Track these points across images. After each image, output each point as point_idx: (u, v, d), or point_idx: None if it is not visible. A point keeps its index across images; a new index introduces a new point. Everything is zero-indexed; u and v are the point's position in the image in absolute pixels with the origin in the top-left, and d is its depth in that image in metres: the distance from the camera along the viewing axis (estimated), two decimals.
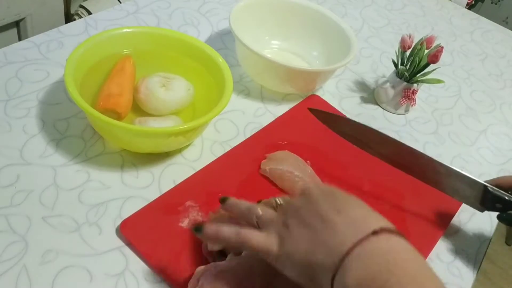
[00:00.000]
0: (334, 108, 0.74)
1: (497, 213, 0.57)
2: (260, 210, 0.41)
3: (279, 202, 0.42)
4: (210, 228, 0.40)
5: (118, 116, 0.57)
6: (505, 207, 0.55)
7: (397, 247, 0.34)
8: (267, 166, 0.60)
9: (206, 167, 0.59)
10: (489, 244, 0.61)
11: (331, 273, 0.34)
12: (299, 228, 0.37)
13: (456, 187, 0.58)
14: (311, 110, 0.62)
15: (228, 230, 0.40)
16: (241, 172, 0.60)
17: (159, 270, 0.48)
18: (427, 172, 0.58)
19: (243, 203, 0.43)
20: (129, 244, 0.50)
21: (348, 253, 0.34)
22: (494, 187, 0.56)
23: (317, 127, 0.62)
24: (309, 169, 0.60)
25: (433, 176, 0.58)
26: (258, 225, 0.40)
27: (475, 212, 0.64)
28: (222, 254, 0.48)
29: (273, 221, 0.40)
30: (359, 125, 0.59)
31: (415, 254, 0.34)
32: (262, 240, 0.38)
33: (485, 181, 0.57)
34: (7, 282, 0.45)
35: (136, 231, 0.51)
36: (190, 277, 0.46)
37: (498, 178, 0.58)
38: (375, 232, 0.34)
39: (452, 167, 0.57)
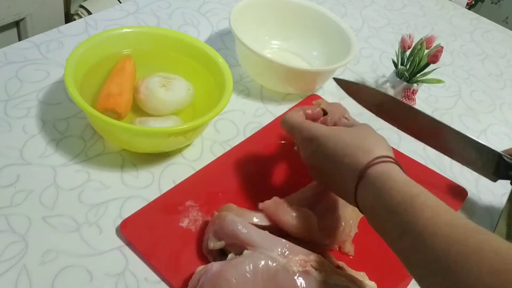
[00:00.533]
0: None
1: (509, 181, 0.59)
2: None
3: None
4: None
5: (118, 116, 0.57)
6: None
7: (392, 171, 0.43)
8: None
9: (206, 167, 0.59)
10: None
11: (353, 191, 0.44)
12: (344, 133, 0.47)
13: (471, 156, 0.59)
14: (335, 79, 0.65)
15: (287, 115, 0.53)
16: (242, 172, 0.60)
17: (159, 270, 0.48)
18: (444, 141, 0.60)
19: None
20: (129, 244, 0.50)
21: (363, 173, 0.43)
22: (508, 155, 0.57)
23: None
24: None
25: (450, 145, 0.60)
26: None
27: (475, 211, 0.64)
28: (222, 254, 0.48)
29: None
30: (380, 93, 0.63)
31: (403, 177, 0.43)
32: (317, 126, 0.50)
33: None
34: (7, 282, 0.45)
35: (136, 231, 0.51)
36: (190, 277, 0.46)
37: (510, 148, 0.60)
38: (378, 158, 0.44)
39: (469, 135, 0.58)
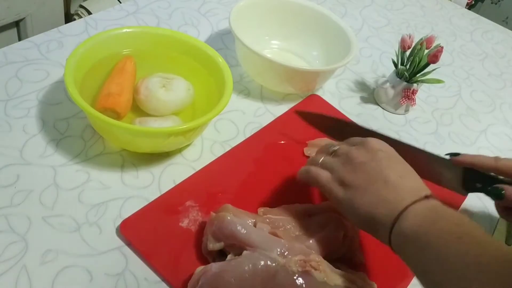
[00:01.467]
0: (334, 108, 0.74)
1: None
2: (322, 157, 0.51)
3: (335, 149, 0.51)
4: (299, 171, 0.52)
5: (117, 116, 0.57)
6: (484, 186, 0.54)
7: (438, 205, 0.43)
8: (309, 151, 0.65)
9: (206, 167, 0.59)
10: None
11: (390, 223, 0.43)
12: (363, 181, 0.46)
13: (439, 173, 0.56)
14: (298, 112, 0.63)
15: (302, 169, 0.52)
16: (242, 172, 0.60)
17: (159, 270, 0.48)
18: (411, 162, 0.56)
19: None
20: (129, 244, 0.50)
21: (406, 208, 0.42)
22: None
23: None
24: None
25: (417, 164, 0.57)
26: (321, 166, 0.50)
27: (474, 212, 0.64)
28: (222, 254, 0.48)
29: (333, 164, 0.49)
30: (340, 121, 0.61)
31: (450, 209, 0.43)
32: (328, 175, 0.48)
33: (453, 157, 0.55)
34: (7, 282, 0.45)
35: (136, 231, 0.51)
36: (190, 277, 0.46)
37: (472, 156, 0.55)
38: (426, 197, 0.44)
39: (432, 152, 0.56)
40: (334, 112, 0.73)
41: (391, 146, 0.52)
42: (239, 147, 0.63)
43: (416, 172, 0.54)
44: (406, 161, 0.54)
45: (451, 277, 0.37)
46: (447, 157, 0.55)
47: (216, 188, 0.57)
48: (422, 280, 0.40)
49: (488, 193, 0.54)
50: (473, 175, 0.54)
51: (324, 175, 0.49)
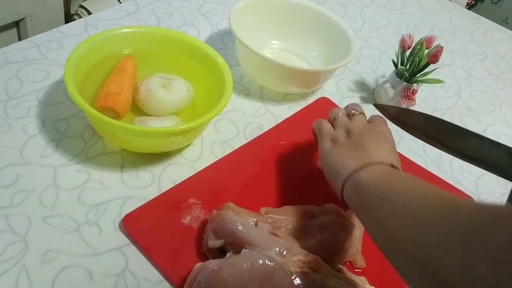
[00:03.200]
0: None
1: None
2: (340, 114, 0.57)
3: (355, 113, 0.57)
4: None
5: (117, 115, 0.57)
6: None
7: (401, 172, 0.48)
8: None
9: (211, 166, 0.59)
10: None
11: (349, 172, 0.47)
12: (348, 144, 0.51)
13: (497, 160, 0.55)
14: (376, 105, 0.64)
15: (318, 120, 0.58)
16: (246, 172, 0.60)
17: (159, 266, 0.48)
18: (472, 149, 0.57)
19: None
20: (129, 243, 0.50)
21: (367, 165, 0.47)
22: None
23: None
24: None
25: (478, 153, 0.56)
26: (332, 122, 0.57)
27: None
28: (222, 252, 0.48)
29: (337, 127, 0.55)
30: (423, 115, 0.61)
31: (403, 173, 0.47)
32: (329, 134, 0.55)
33: None
34: (7, 282, 0.45)
35: (138, 226, 0.51)
36: (189, 273, 0.46)
37: None
38: (392, 165, 0.48)
39: (494, 139, 0.56)
40: None
41: (462, 137, 0.57)
42: (245, 147, 0.63)
43: (479, 165, 0.57)
44: (471, 153, 0.57)
45: (398, 215, 0.39)
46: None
47: (220, 187, 0.57)
48: (368, 224, 0.44)
49: None
50: None
51: (326, 130, 0.55)
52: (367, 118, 0.58)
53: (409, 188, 0.42)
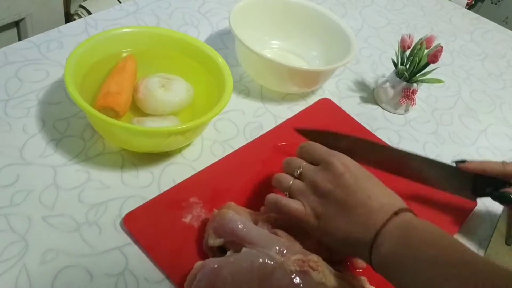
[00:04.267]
0: (345, 112, 0.74)
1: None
2: (290, 181, 0.49)
3: (299, 172, 0.50)
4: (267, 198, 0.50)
5: (116, 115, 0.57)
6: (493, 190, 0.55)
7: (409, 221, 0.44)
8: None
9: (212, 166, 0.59)
10: (488, 244, 0.61)
11: (368, 248, 0.44)
12: (334, 211, 0.46)
13: (445, 179, 0.57)
14: (298, 130, 0.59)
15: (271, 197, 0.49)
16: (247, 171, 0.60)
17: (160, 264, 0.48)
18: (416, 171, 0.57)
19: (278, 175, 0.51)
20: (131, 236, 0.50)
21: (378, 232, 0.43)
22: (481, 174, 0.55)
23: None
24: None
25: (423, 174, 0.57)
26: (289, 195, 0.49)
27: (475, 211, 0.64)
28: (222, 250, 0.48)
29: (302, 192, 0.48)
30: (346, 137, 0.56)
31: (422, 224, 0.44)
32: (301, 208, 0.47)
33: (460, 165, 0.56)
34: (7, 282, 0.45)
35: (139, 225, 0.51)
36: (189, 272, 0.46)
37: (481, 162, 0.56)
38: (395, 213, 0.44)
39: (442, 161, 0.56)
40: (344, 117, 0.72)
41: (393, 157, 0.54)
42: (246, 147, 0.63)
43: (421, 181, 0.57)
44: (409, 171, 0.56)
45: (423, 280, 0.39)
46: (453, 164, 0.56)
47: (221, 186, 0.57)
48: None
49: (496, 198, 0.55)
50: (482, 180, 0.55)
51: (295, 207, 0.48)
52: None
53: (431, 251, 0.41)
